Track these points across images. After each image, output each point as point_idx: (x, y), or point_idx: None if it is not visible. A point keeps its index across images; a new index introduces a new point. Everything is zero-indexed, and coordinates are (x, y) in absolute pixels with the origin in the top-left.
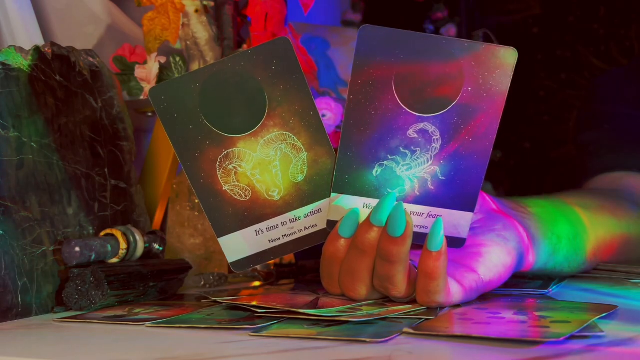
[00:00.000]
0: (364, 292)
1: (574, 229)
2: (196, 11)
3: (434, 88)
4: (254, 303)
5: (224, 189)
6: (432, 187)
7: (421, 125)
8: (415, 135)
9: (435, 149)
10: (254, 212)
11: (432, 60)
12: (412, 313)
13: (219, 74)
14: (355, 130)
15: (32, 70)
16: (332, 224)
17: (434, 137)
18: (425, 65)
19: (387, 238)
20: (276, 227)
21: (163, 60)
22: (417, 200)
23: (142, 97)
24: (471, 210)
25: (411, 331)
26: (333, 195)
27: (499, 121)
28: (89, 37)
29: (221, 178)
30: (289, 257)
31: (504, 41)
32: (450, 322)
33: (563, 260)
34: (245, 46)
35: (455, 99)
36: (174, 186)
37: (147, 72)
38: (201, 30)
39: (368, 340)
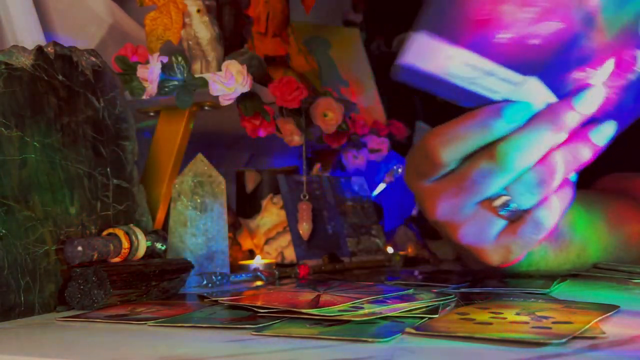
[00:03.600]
0: None
1: None
2: (198, 11)
3: None
4: (256, 303)
5: None
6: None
7: None
8: None
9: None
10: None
11: None
12: (414, 312)
13: None
14: None
15: (35, 69)
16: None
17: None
18: None
19: None
20: (470, 67)
21: (165, 60)
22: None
23: (144, 97)
24: None
25: (413, 331)
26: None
27: None
28: (91, 37)
29: None
30: (291, 257)
31: None
32: (452, 322)
33: None
34: (246, 45)
35: None
36: (176, 186)
37: (149, 72)
38: (203, 30)
39: (370, 340)
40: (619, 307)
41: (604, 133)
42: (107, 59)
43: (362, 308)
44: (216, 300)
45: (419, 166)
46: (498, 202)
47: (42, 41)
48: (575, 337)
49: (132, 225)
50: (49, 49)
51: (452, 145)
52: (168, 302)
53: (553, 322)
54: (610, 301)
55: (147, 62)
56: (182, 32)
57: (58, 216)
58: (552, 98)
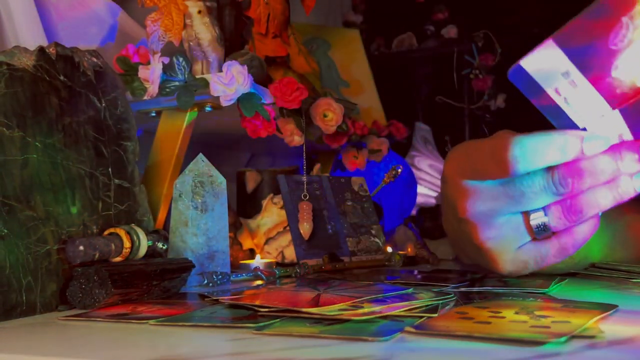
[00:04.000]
0: None
1: None
2: (199, 12)
3: None
4: (257, 302)
5: None
6: None
7: None
8: None
9: None
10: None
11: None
12: (413, 311)
13: None
14: None
15: (37, 70)
16: None
17: None
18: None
19: None
20: (578, 89)
21: (166, 60)
22: None
23: (145, 98)
24: None
25: (413, 330)
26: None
27: None
28: (92, 38)
29: None
30: (291, 257)
31: (505, 42)
32: (451, 322)
33: None
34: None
35: None
36: (177, 185)
37: (150, 73)
38: (204, 31)
39: (370, 339)
40: (617, 306)
41: None
42: (109, 60)
43: (361, 307)
44: (217, 300)
45: (479, 164)
46: (535, 221)
47: (43, 42)
48: (573, 337)
49: (133, 225)
50: (51, 49)
51: (530, 159)
52: (169, 301)
53: (552, 322)
54: (608, 300)
55: (148, 62)
56: (183, 33)
57: (60, 216)
58: (627, 135)
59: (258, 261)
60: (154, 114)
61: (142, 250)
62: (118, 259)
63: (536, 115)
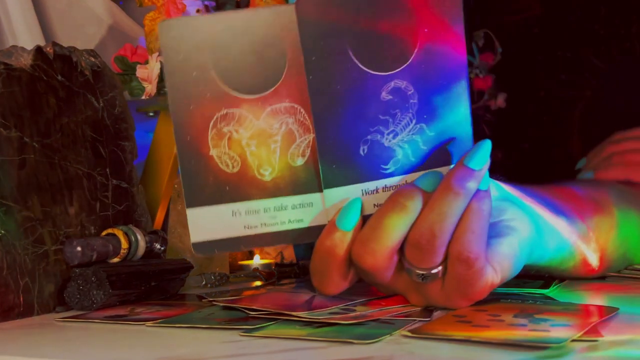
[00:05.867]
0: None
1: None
2: (197, 11)
3: (390, 41)
4: (248, 305)
5: (210, 153)
6: (425, 147)
7: (392, 84)
8: (390, 97)
9: (414, 104)
10: (237, 188)
11: (380, 10)
12: (405, 314)
13: (243, 24)
14: (326, 112)
15: (34, 70)
16: None
17: (409, 92)
18: (375, 18)
19: None
20: (257, 212)
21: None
22: (415, 166)
23: (143, 97)
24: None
25: (409, 334)
26: (325, 192)
27: (466, 52)
28: (90, 37)
29: (211, 140)
30: (290, 257)
31: (505, 41)
32: (449, 325)
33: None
34: None
35: (415, 46)
36: (176, 186)
37: (149, 72)
38: None
39: (355, 341)
40: (618, 309)
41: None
42: (107, 59)
43: (353, 310)
44: (212, 301)
45: None
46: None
47: (41, 41)
48: (574, 340)
49: (131, 225)
50: (48, 49)
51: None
52: (167, 302)
53: (551, 325)
54: (609, 303)
55: (146, 62)
56: None
57: (57, 216)
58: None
59: (257, 262)
60: (152, 114)
61: (140, 251)
62: (116, 259)
63: (536, 115)
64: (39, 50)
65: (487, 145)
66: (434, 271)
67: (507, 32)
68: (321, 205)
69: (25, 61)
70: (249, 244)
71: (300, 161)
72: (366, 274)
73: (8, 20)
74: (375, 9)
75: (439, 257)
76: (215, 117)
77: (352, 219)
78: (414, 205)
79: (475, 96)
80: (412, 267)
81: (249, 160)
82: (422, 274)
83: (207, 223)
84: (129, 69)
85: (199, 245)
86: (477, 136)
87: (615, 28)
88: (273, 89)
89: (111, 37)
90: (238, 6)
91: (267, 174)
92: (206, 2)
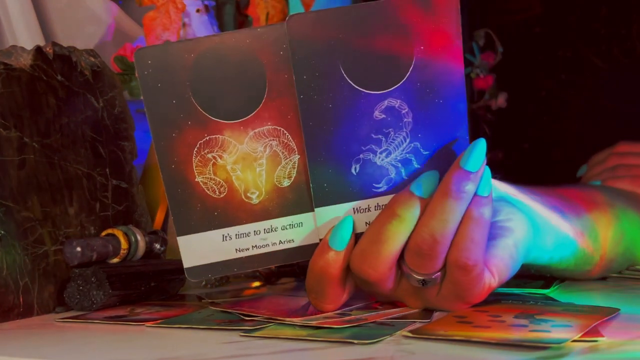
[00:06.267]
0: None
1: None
2: (197, 11)
3: (384, 58)
4: (242, 310)
5: (196, 179)
6: (419, 165)
7: (385, 103)
8: (383, 116)
9: (409, 123)
10: (225, 213)
11: (373, 28)
12: (404, 317)
13: (219, 48)
14: (317, 131)
15: (34, 70)
16: None
17: (403, 111)
18: (367, 36)
19: None
20: (247, 235)
21: None
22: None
23: (142, 98)
24: None
25: (410, 334)
26: (317, 210)
27: (463, 68)
28: (90, 37)
29: (196, 167)
30: None
31: (506, 41)
32: (450, 326)
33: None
34: None
35: (411, 63)
36: None
37: None
38: (202, 30)
39: (355, 342)
40: (619, 310)
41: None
42: (106, 59)
43: (348, 314)
44: (210, 303)
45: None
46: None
47: (40, 41)
48: (574, 340)
49: (131, 225)
50: (48, 49)
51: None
52: (167, 302)
53: (552, 325)
54: (610, 304)
55: None
56: (181, 32)
57: (57, 217)
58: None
59: None
60: None
61: (140, 251)
62: (116, 260)
63: (537, 115)
64: (38, 50)
65: (481, 145)
66: (434, 276)
67: (508, 31)
68: (311, 225)
69: (25, 61)
70: (241, 266)
71: (287, 182)
72: (367, 285)
73: (8, 20)
74: (369, 26)
75: (440, 263)
76: (198, 144)
77: (344, 238)
78: (411, 214)
79: (475, 96)
80: (412, 273)
81: (235, 184)
82: (423, 280)
83: (198, 249)
84: (128, 69)
85: (192, 271)
86: (477, 136)
87: (616, 28)
88: (254, 112)
89: (110, 37)
90: (238, 6)
91: (255, 197)
92: (206, 2)
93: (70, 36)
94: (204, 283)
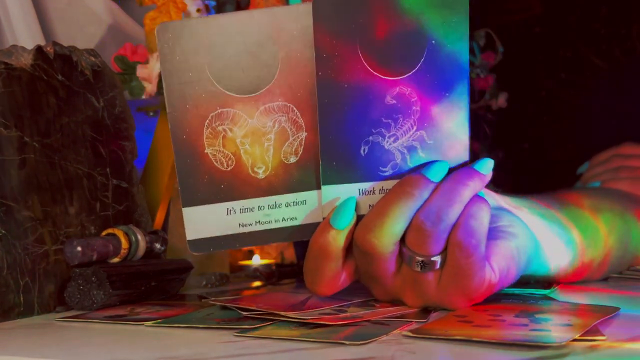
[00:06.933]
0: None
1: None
2: (198, 10)
3: (400, 47)
4: (241, 305)
5: (205, 151)
6: (423, 154)
7: (397, 90)
8: (394, 102)
9: (417, 111)
10: (231, 186)
11: (393, 16)
12: (400, 316)
13: (236, 25)
14: (331, 109)
15: (34, 69)
16: None
17: (412, 99)
18: (386, 24)
19: None
20: (251, 209)
21: None
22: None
23: (143, 97)
24: (466, 164)
25: (410, 334)
26: (324, 188)
27: (469, 64)
28: (90, 37)
29: (206, 139)
30: (291, 257)
31: (506, 41)
32: (450, 325)
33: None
34: None
35: (423, 54)
36: (176, 186)
37: (149, 72)
38: None
39: (347, 342)
40: (619, 309)
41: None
42: (107, 59)
43: (344, 311)
44: (210, 300)
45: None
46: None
47: (41, 41)
48: (574, 340)
49: (131, 225)
50: (49, 48)
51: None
52: (167, 302)
53: (552, 325)
54: (610, 303)
55: (146, 61)
56: None
57: (57, 216)
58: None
59: (257, 262)
60: (152, 114)
61: (141, 251)
62: (116, 259)
63: (537, 115)
64: (39, 49)
65: (490, 161)
66: (433, 259)
67: (508, 31)
68: (315, 203)
69: (26, 61)
70: (244, 241)
71: (293, 159)
72: (368, 267)
73: (8, 20)
74: (389, 15)
75: (440, 244)
76: (210, 116)
77: (346, 218)
78: (421, 193)
79: (476, 95)
80: (412, 254)
81: (243, 158)
82: (422, 261)
83: (202, 221)
84: (129, 69)
85: (195, 243)
86: (478, 136)
87: (616, 28)
88: (266, 88)
89: (111, 37)
90: (238, 5)
91: (261, 172)
92: (206, 2)
93: (71, 36)
94: (204, 283)
